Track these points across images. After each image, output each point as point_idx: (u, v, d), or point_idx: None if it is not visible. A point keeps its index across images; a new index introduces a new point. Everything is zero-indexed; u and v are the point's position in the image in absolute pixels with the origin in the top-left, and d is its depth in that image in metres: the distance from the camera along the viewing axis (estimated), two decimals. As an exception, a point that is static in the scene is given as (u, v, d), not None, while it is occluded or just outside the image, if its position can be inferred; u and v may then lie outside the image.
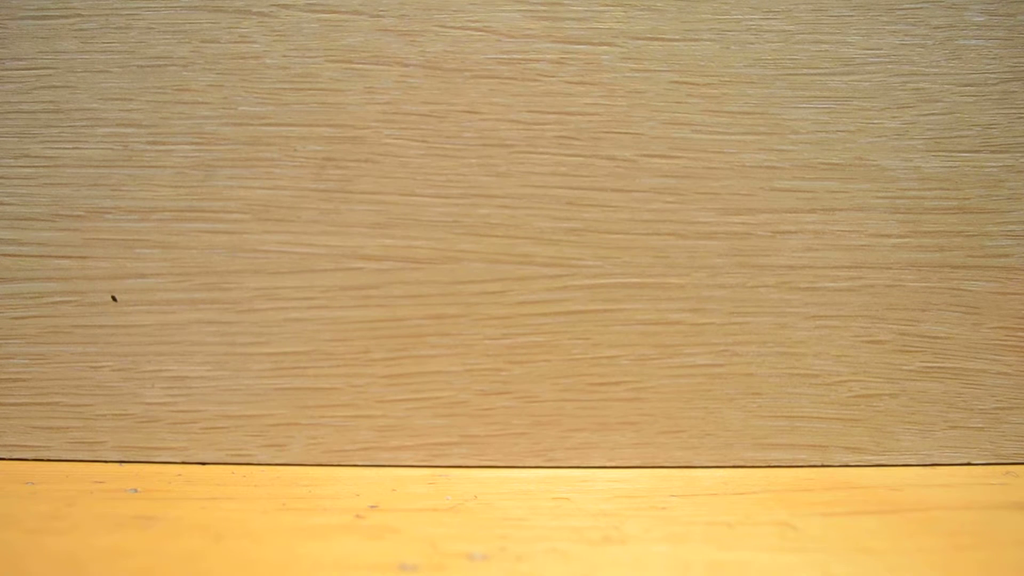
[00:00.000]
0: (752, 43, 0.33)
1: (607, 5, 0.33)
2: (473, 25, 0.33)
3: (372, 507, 0.28)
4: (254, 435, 0.33)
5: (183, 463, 0.33)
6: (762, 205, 0.33)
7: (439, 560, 0.23)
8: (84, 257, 0.33)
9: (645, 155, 0.33)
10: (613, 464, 0.34)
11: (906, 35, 0.33)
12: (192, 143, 0.33)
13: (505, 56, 0.33)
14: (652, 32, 0.33)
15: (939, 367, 0.34)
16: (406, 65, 0.33)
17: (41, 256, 0.33)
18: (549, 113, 0.33)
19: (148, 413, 0.33)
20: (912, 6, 0.33)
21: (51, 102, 0.33)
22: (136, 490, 0.30)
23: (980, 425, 0.34)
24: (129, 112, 0.33)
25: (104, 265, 0.33)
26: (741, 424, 0.34)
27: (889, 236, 0.34)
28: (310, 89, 0.33)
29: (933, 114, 0.33)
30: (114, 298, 0.33)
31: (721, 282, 0.34)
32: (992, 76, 0.33)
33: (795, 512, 0.28)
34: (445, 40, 0.33)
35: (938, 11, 0.33)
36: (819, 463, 0.34)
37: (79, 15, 0.33)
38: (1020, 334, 0.34)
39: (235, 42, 0.33)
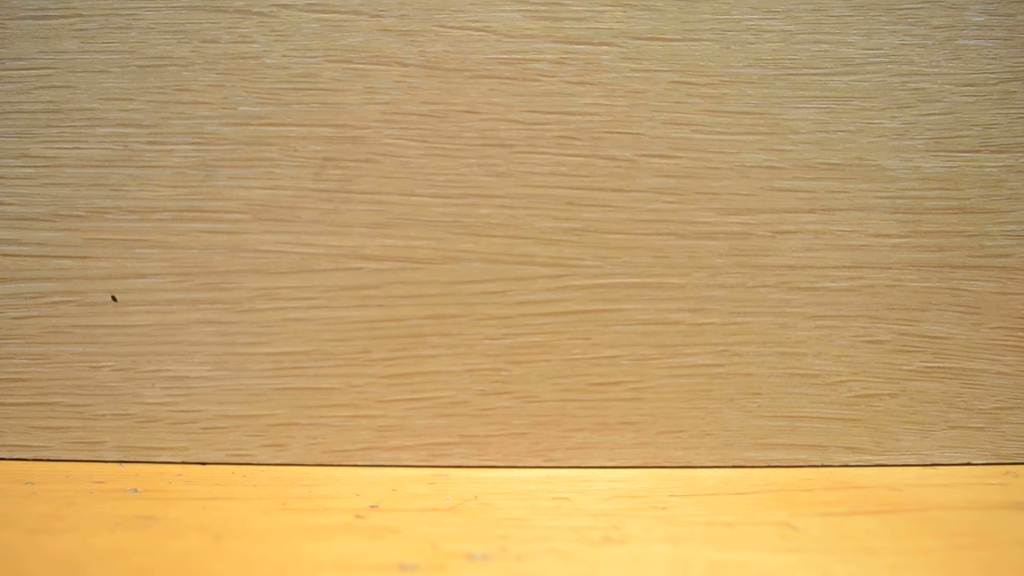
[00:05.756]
0: (752, 43, 0.33)
1: (607, 5, 0.33)
2: (473, 25, 0.33)
3: (372, 507, 0.28)
4: (254, 435, 0.33)
5: (183, 463, 0.33)
6: (762, 205, 0.33)
7: (439, 560, 0.23)
8: (84, 257, 0.33)
9: (645, 155, 0.33)
10: (613, 464, 0.34)
11: (906, 35, 0.33)
12: (192, 143, 0.33)
13: (505, 56, 0.33)
14: (652, 32, 0.33)
15: (939, 367, 0.34)
16: (406, 65, 0.33)
17: (41, 256, 0.33)
18: (549, 113, 0.33)
19: (148, 413, 0.33)
20: (912, 6, 0.33)
21: (51, 102, 0.33)
22: (136, 490, 0.30)
23: (980, 425, 0.34)
24: (129, 112, 0.33)
25: (104, 265, 0.33)
26: (741, 424, 0.34)
27: (889, 236, 0.34)
28: (310, 89, 0.33)
29: (933, 114, 0.33)
30: (114, 298, 0.33)
31: (721, 282, 0.34)
32: (992, 76, 0.33)
33: (795, 512, 0.28)
34: (445, 40, 0.33)
35: (938, 11, 0.33)
36: (819, 463, 0.34)
37: (79, 15, 0.33)
38: (1020, 334, 0.34)
39: (235, 42, 0.33)
